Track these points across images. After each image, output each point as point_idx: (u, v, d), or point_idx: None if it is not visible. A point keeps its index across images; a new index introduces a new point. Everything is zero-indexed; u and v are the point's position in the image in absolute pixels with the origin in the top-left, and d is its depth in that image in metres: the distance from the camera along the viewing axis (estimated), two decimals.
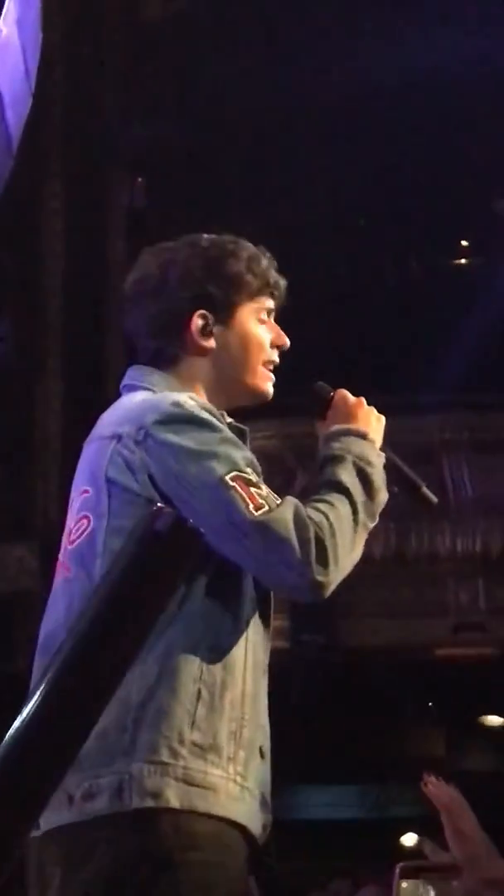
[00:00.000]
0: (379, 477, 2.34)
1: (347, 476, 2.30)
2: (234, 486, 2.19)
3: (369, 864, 9.18)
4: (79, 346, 10.26)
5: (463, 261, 12.15)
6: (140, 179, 11.41)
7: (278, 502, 2.23)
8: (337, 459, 2.33)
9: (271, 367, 2.47)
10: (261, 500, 2.19)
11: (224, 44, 10.86)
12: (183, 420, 2.26)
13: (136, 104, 11.09)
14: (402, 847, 10.99)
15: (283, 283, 2.51)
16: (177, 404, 2.28)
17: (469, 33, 10.39)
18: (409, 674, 10.19)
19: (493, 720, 12.01)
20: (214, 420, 2.28)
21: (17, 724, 1.09)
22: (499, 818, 3.50)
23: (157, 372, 2.42)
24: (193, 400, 2.31)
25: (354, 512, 2.28)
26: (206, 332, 2.42)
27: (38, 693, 1.08)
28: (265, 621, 2.35)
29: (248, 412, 2.46)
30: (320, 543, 2.19)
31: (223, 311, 2.43)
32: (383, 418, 2.43)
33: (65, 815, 2.16)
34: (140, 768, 2.14)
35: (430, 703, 11.30)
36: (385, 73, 10.38)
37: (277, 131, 10.94)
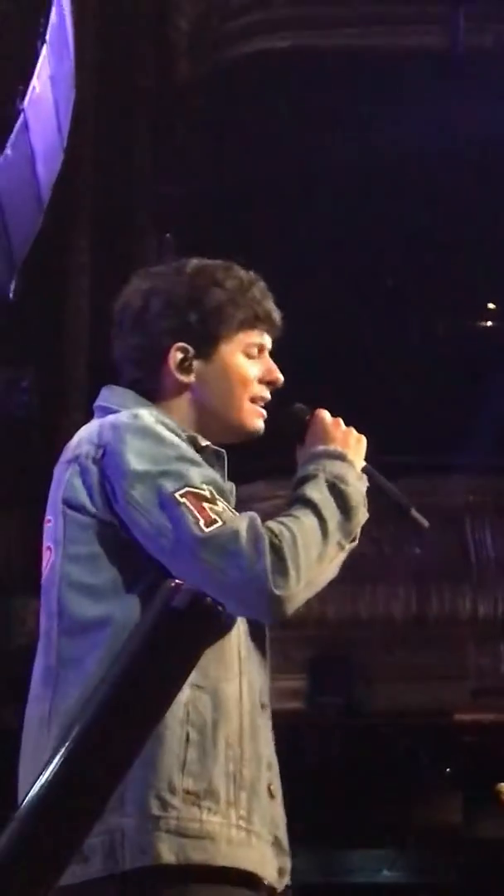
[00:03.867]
0: (356, 495, 2.19)
1: (317, 493, 2.16)
2: (183, 503, 2.07)
3: None
4: None
5: (490, 323, 12.15)
6: (168, 236, 11.46)
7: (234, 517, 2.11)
8: (309, 478, 2.19)
9: (262, 404, 2.33)
10: (213, 516, 2.07)
11: (254, 103, 10.93)
12: (138, 435, 2.15)
13: (166, 162, 11.16)
14: None
15: (276, 315, 2.37)
16: (135, 416, 2.19)
17: (499, 98, 10.46)
18: (427, 738, 10.10)
19: None
20: (172, 436, 2.16)
21: (32, 795, 1.07)
22: None
23: (131, 394, 2.31)
24: (153, 416, 2.19)
25: (323, 526, 2.13)
26: (184, 366, 2.29)
27: (53, 766, 1.05)
28: (261, 654, 2.24)
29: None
30: (277, 553, 2.05)
31: (204, 345, 2.29)
32: (363, 438, 2.30)
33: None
34: (130, 824, 2.01)
35: (449, 769, 11.18)
36: (417, 135, 10.43)
37: (307, 191, 10.98)
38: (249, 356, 2.33)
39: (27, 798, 1.07)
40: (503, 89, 10.56)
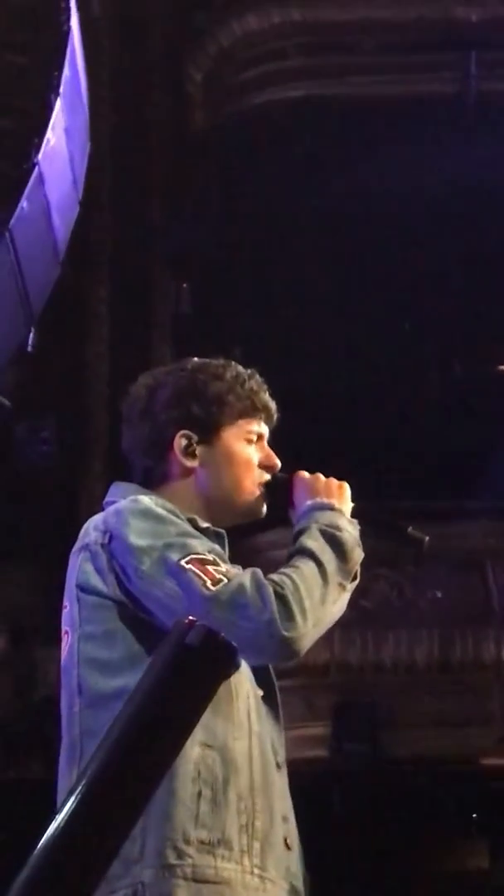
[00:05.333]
0: (349, 538, 2.35)
1: (312, 542, 2.32)
2: (189, 569, 2.22)
3: None
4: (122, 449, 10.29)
5: None
6: (185, 285, 11.50)
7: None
8: (304, 531, 2.36)
9: (262, 486, 2.49)
10: (219, 576, 2.22)
11: (269, 152, 10.99)
12: (139, 516, 2.30)
13: (181, 211, 11.22)
14: None
15: (272, 406, 2.54)
16: (135, 501, 2.35)
17: None
18: (453, 784, 10.03)
19: None
20: (171, 515, 2.32)
21: (48, 835, 1.06)
22: None
23: (134, 486, 2.47)
24: (152, 500, 2.36)
25: (322, 570, 2.28)
26: (188, 451, 2.46)
27: (68, 806, 1.06)
28: (273, 712, 2.34)
29: None
30: (282, 599, 2.20)
31: (207, 432, 2.47)
32: (345, 485, 2.44)
33: None
34: (150, 874, 2.12)
35: (475, 815, 11.09)
36: (429, 179, 10.48)
37: (321, 237, 11.02)
38: (249, 442, 2.51)
39: (44, 837, 1.07)
40: None
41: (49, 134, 7.68)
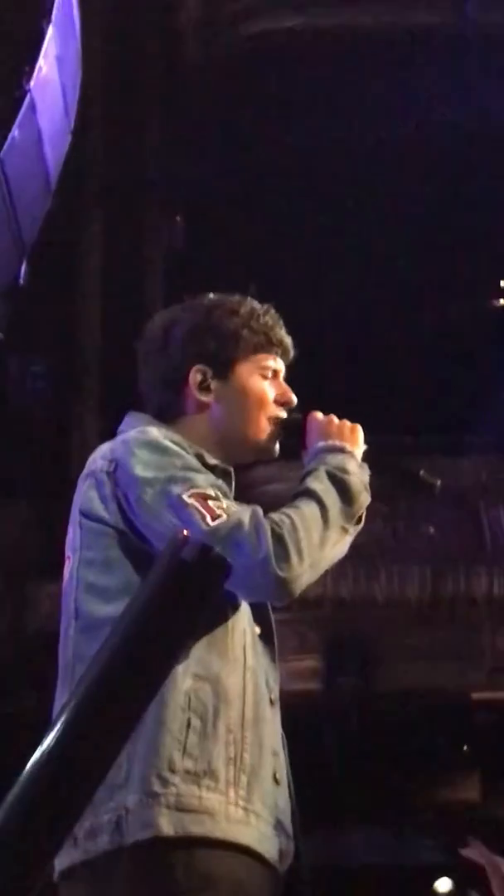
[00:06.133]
0: (356, 482, 2.35)
1: (318, 483, 2.33)
2: (190, 503, 2.23)
3: None
4: (116, 385, 10.25)
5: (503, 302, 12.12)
6: (179, 219, 11.42)
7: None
8: (310, 473, 2.37)
9: (276, 424, 2.49)
10: (219, 511, 2.23)
11: (264, 82, 10.89)
12: (145, 447, 2.31)
13: (176, 145, 11.12)
14: (435, 893, 10.87)
15: (287, 341, 2.54)
16: (142, 432, 2.37)
17: None
18: (444, 718, 10.10)
19: None
20: (177, 448, 2.33)
21: (37, 753, 1.06)
22: None
23: (147, 417, 2.48)
24: (160, 432, 2.37)
25: (324, 513, 2.28)
26: (203, 386, 2.48)
27: (58, 724, 1.05)
28: (269, 648, 2.36)
29: None
30: (279, 539, 2.20)
31: (221, 367, 2.48)
32: (358, 427, 2.45)
33: (73, 856, 2.17)
34: (134, 800, 2.15)
35: (466, 748, 11.18)
36: (431, 114, 10.39)
37: (318, 172, 10.94)
38: (264, 378, 2.51)
39: (32, 758, 1.06)
40: None
41: (41, 62, 7.59)
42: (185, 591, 1.06)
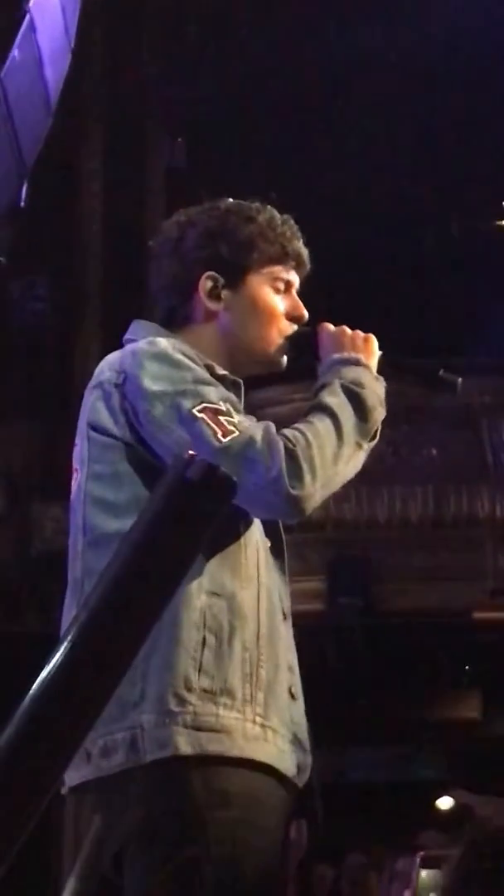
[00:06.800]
0: (372, 396, 2.29)
1: (332, 398, 2.27)
2: (201, 418, 2.17)
3: (405, 828, 9.19)
4: (116, 306, 10.24)
5: None
6: (179, 139, 11.34)
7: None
8: (325, 386, 2.30)
9: (285, 338, 2.40)
10: (230, 427, 2.17)
11: (265, 5, 10.76)
12: (155, 359, 2.25)
13: (176, 64, 11.01)
14: (437, 810, 11.00)
15: (304, 254, 2.45)
16: (151, 343, 2.28)
17: None
18: (446, 637, 10.17)
19: None
20: (188, 360, 2.26)
21: (44, 672, 1.07)
22: None
23: (155, 326, 2.40)
24: (170, 343, 2.29)
25: (339, 428, 2.23)
26: (214, 294, 2.38)
27: (64, 643, 1.06)
28: (279, 563, 2.32)
29: None
30: (292, 455, 2.16)
31: (234, 275, 2.39)
32: (372, 337, 2.38)
33: (84, 772, 2.16)
34: (150, 719, 2.13)
35: (467, 667, 11.28)
36: (427, 32, 10.28)
37: (318, 92, 10.84)
38: (276, 290, 2.42)
39: (41, 674, 1.07)
40: None
41: None
42: (190, 509, 1.06)
